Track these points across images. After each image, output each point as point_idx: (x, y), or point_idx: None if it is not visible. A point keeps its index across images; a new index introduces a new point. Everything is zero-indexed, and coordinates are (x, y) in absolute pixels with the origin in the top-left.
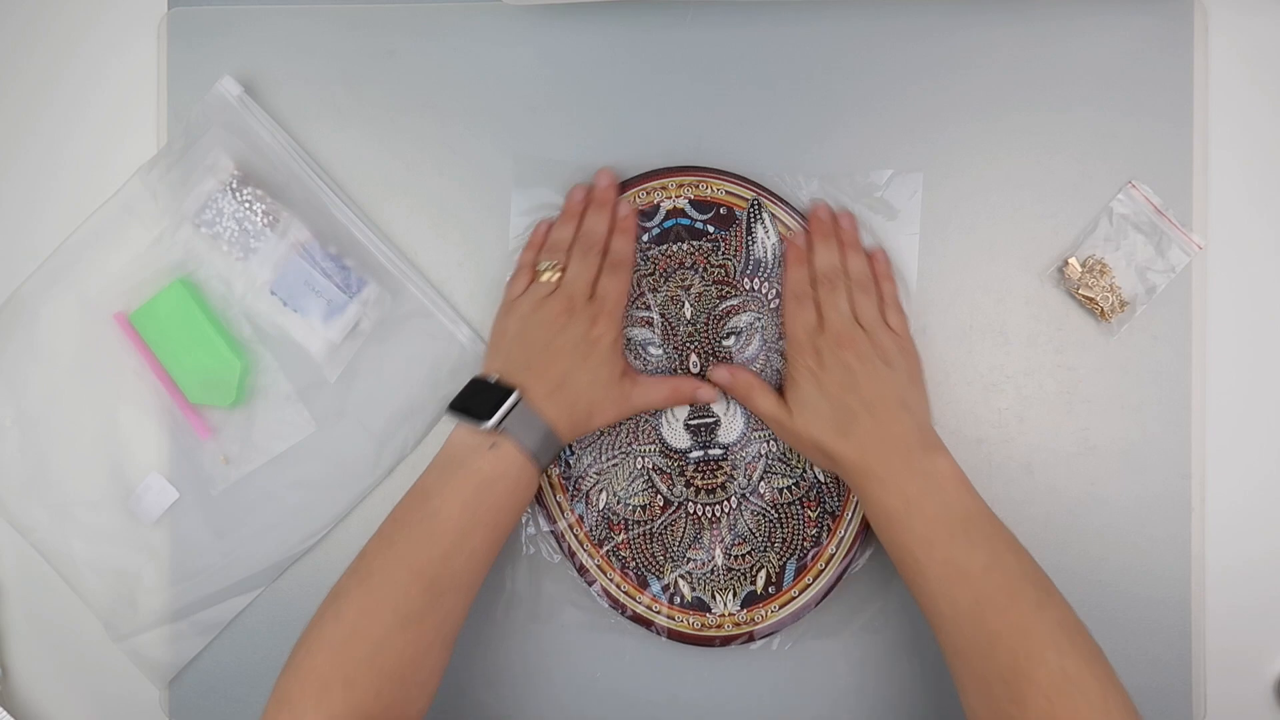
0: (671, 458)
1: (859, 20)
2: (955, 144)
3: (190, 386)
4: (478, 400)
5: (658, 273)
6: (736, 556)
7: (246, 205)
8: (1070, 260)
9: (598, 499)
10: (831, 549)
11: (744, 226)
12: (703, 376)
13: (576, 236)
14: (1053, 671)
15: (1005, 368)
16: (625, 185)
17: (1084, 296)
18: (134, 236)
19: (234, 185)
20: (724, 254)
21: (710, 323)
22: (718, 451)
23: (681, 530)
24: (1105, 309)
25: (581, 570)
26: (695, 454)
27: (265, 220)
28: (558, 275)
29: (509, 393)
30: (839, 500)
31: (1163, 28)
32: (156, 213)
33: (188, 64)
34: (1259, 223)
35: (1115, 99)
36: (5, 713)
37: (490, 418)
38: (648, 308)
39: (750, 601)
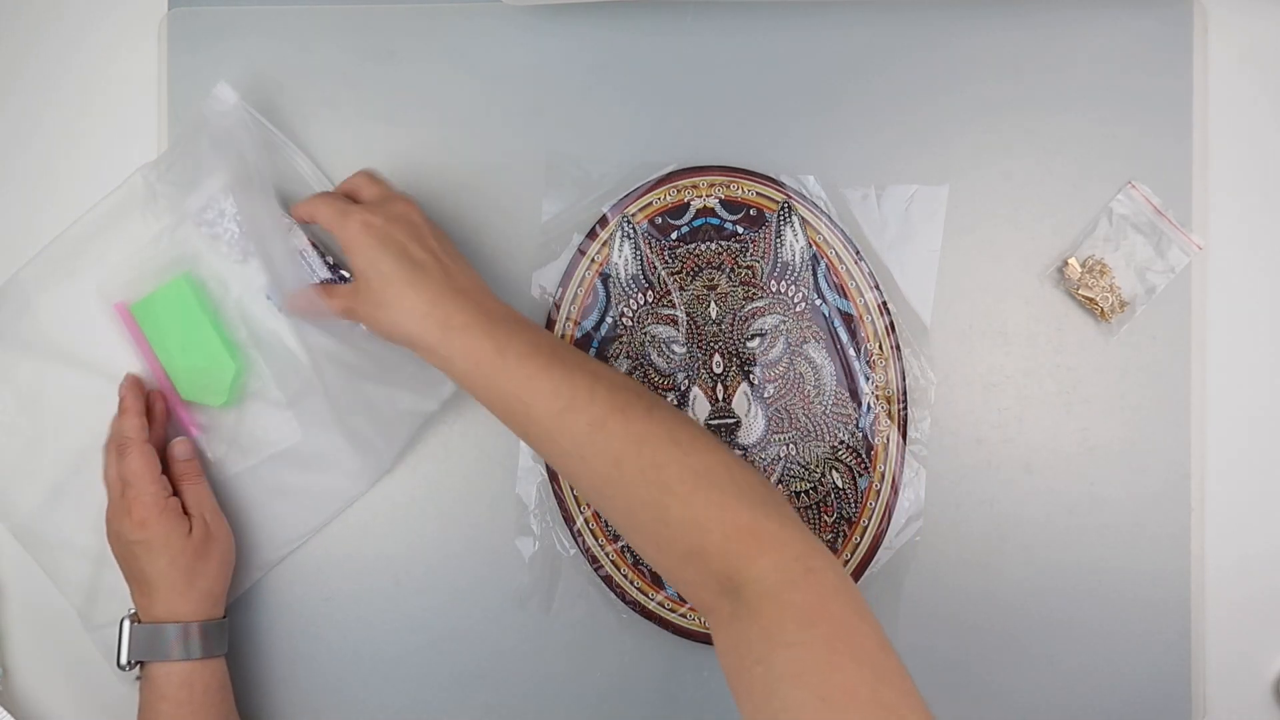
0: None
1: (857, 24)
2: (955, 144)
3: (183, 383)
4: (118, 643)
5: (685, 271)
6: None
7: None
8: (1070, 260)
9: None
10: (846, 555)
11: (773, 229)
12: (726, 378)
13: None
14: (684, 470)
15: (1005, 368)
16: (653, 185)
17: (1084, 296)
18: (134, 231)
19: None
20: (752, 256)
21: (735, 324)
22: (737, 452)
23: None
24: (1105, 309)
25: (595, 564)
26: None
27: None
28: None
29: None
30: (855, 507)
31: (1163, 28)
32: (157, 210)
33: (188, 65)
34: (1259, 223)
35: (1115, 99)
36: (5, 713)
37: (120, 655)
38: (673, 306)
39: None
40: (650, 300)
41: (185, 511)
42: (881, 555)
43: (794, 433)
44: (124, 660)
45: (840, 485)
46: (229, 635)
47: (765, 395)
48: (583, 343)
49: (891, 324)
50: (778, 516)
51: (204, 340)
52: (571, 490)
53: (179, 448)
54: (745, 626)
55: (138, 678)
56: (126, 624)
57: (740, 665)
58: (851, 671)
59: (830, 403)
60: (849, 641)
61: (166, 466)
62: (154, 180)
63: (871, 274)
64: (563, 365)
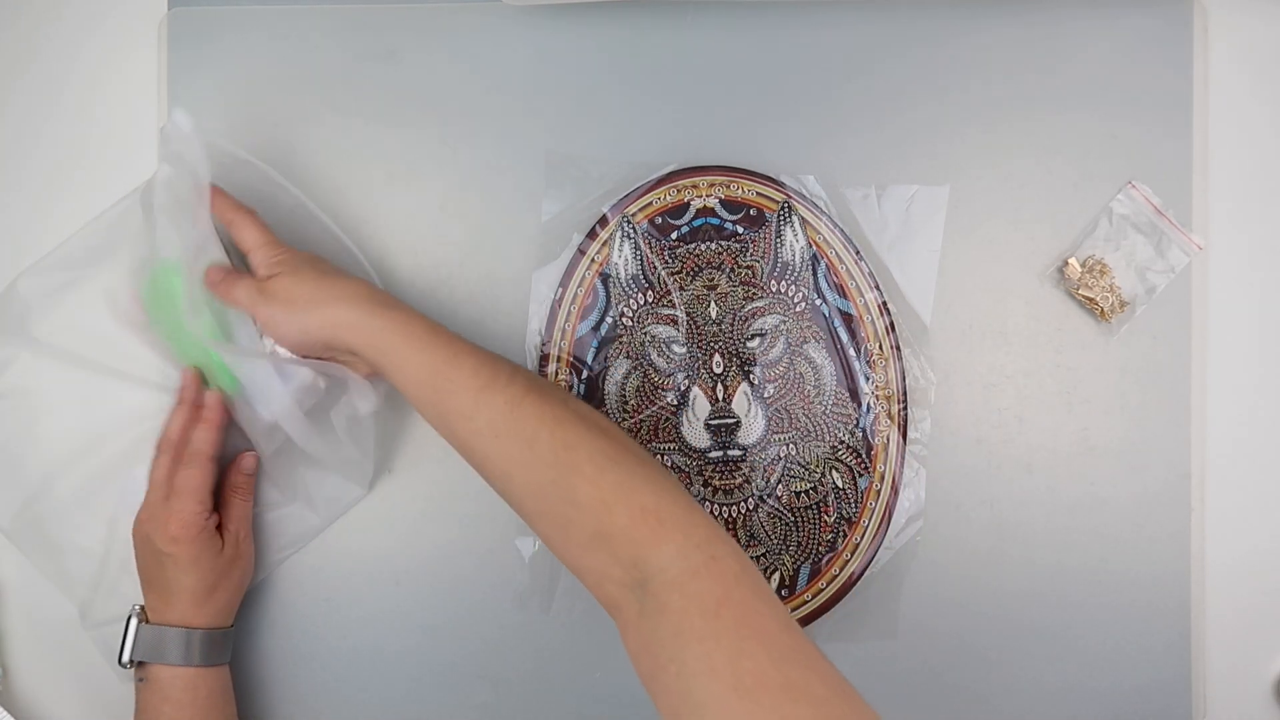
0: (691, 457)
1: (857, 24)
2: (955, 144)
3: (195, 367)
4: (123, 637)
5: (685, 271)
6: (751, 558)
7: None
8: (1070, 260)
9: None
10: (846, 555)
11: (774, 229)
12: (726, 378)
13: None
14: (591, 453)
15: (1005, 368)
16: (653, 185)
17: (1084, 297)
18: (128, 252)
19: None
20: (752, 255)
21: (735, 323)
22: (737, 452)
23: None
24: (1105, 309)
25: None
26: (715, 454)
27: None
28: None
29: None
30: (856, 507)
31: (1163, 28)
32: (147, 232)
33: (188, 64)
34: (1259, 223)
35: (1115, 99)
36: (5, 713)
37: (123, 654)
38: (673, 305)
39: None
40: (650, 300)
41: (221, 525)
42: (882, 555)
43: (794, 433)
44: (126, 659)
45: (840, 485)
46: (233, 641)
47: (765, 395)
48: (583, 343)
49: (891, 324)
50: (682, 501)
51: (194, 327)
52: None
53: (247, 460)
54: (655, 624)
55: (139, 679)
56: (133, 623)
57: (655, 666)
58: (761, 657)
59: (830, 403)
60: (754, 626)
61: (223, 475)
62: (147, 200)
63: (871, 274)
64: (483, 351)
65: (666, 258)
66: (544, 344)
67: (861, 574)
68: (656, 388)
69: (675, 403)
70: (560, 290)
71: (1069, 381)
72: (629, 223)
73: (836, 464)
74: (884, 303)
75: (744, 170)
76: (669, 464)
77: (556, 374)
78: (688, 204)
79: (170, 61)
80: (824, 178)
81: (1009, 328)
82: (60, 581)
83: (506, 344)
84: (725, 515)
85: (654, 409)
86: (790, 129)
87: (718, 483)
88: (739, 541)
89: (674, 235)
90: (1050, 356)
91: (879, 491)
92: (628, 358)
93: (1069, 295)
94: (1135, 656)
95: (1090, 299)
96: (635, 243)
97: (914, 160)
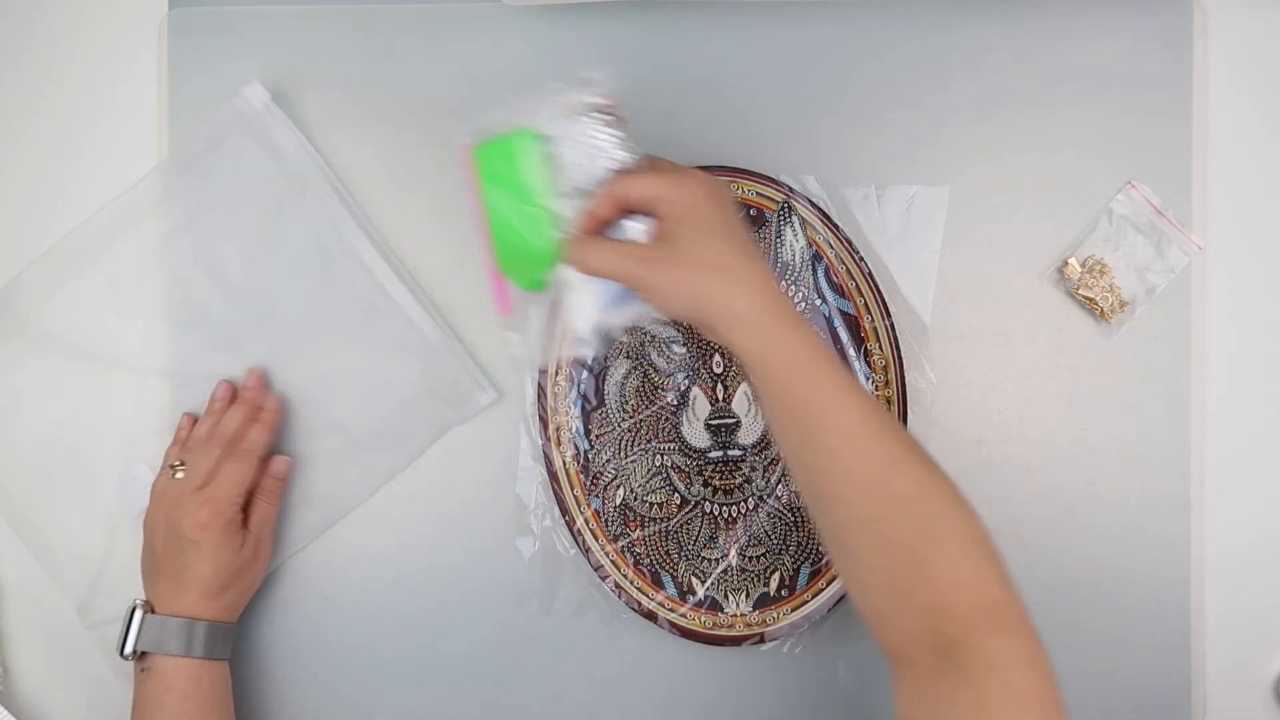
0: (691, 456)
1: (857, 24)
2: (955, 144)
3: (504, 250)
4: (125, 628)
5: None
6: (751, 558)
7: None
8: (1070, 260)
9: (615, 494)
10: None
11: (773, 229)
12: (726, 378)
13: (212, 431)
14: (959, 532)
15: (1005, 368)
16: None
17: (1084, 297)
18: (142, 230)
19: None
20: None
21: None
22: (737, 452)
23: (697, 529)
24: (1105, 309)
25: (595, 565)
26: (715, 454)
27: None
28: (181, 474)
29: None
30: None
31: (1163, 28)
32: (169, 207)
33: (188, 64)
34: (1258, 223)
35: (1115, 99)
36: (5, 712)
37: (126, 644)
38: None
39: (763, 603)
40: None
41: (244, 525)
42: None
43: None
44: (129, 649)
45: None
46: (234, 638)
47: None
48: None
49: (892, 324)
50: (1019, 601)
51: (534, 210)
52: (572, 490)
53: (279, 465)
54: (954, 689)
55: (142, 669)
56: (137, 614)
57: (933, 717)
58: None
59: None
60: None
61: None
62: (172, 178)
63: (871, 274)
64: (865, 393)
65: None
66: (544, 344)
67: None
68: (656, 388)
69: (675, 403)
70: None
71: (1069, 381)
72: None
73: None
74: (884, 303)
75: (744, 170)
76: (669, 464)
77: (557, 374)
78: None
79: (170, 61)
80: (824, 178)
81: (1009, 328)
82: (57, 578)
83: (507, 344)
84: (725, 515)
85: (654, 409)
86: (790, 129)
87: (718, 483)
88: (739, 541)
89: None
90: (1050, 356)
91: None
92: (628, 358)
93: (1069, 295)
94: (1135, 656)
95: (1090, 299)
96: None
97: (914, 160)
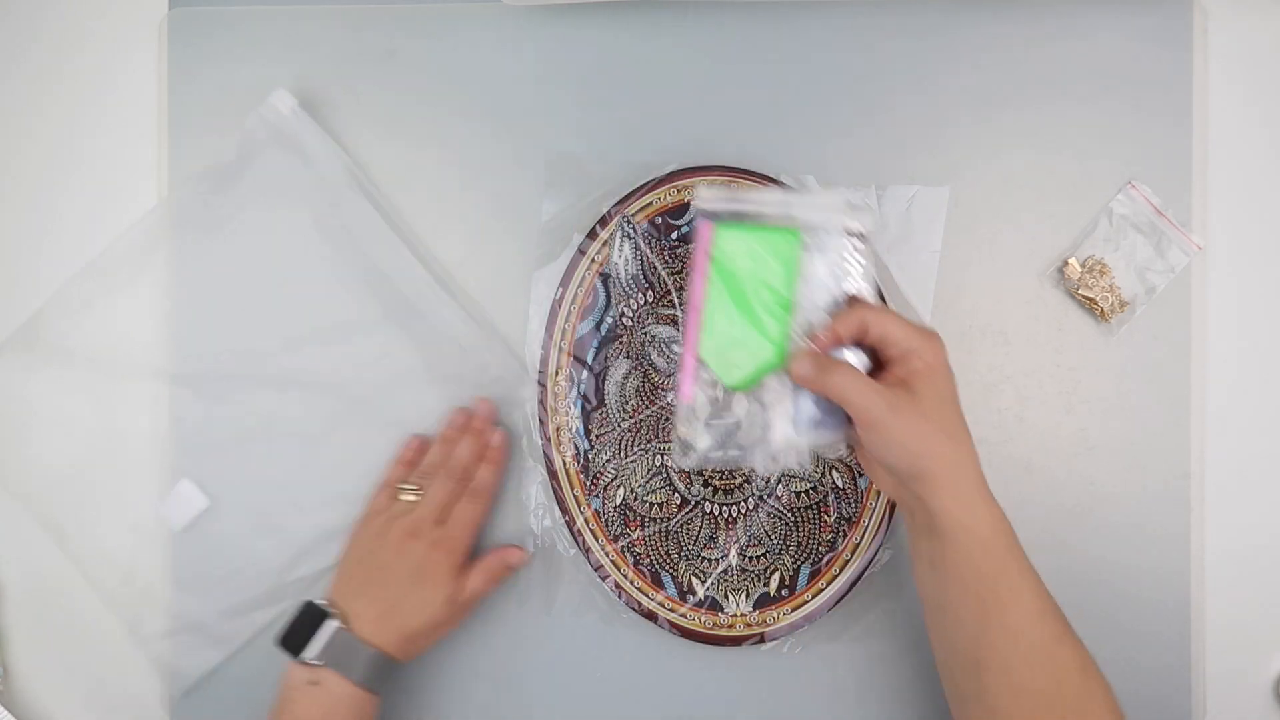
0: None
1: (857, 24)
2: (955, 144)
3: (712, 338)
4: (303, 631)
5: (685, 271)
6: (751, 558)
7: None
8: (1070, 260)
9: (615, 494)
10: (847, 555)
11: None
12: None
13: (445, 461)
14: (1110, 708)
15: (1005, 368)
16: (653, 185)
17: (1084, 297)
18: (184, 241)
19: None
20: None
21: None
22: (737, 452)
23: (697, 529)
24: (1105, 309)
25: (595, 565)
26: (715, 454)
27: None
28: (413, 498)
29: (329, 622)
30: (856, 506)
31: (1163, 28)
32: (211, 220)
33: (188, 64)
34: (1258, 223)
35: (1115, 99)
36: (5, 712)
37: (307, 650)
38: (673, 305)
39: (763, 603)
40: (650, 300)
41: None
42: (882, 555)
43: None
44: (314, 657)
45: (841, 485)
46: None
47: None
48: (583, 343)
49: None
50: None
51: (761, 309)
52: (571, 490)
53: (514, 556)
54: None
55: (315, 682)
56: (330, 624)
57: None
58: None
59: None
60: None
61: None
62: (205, 192)
63: (871, 274)
64: (1043, 587)
65: (666, 258)
66: (544, 344)
67: (862, 574)
68: (656, 388)
69: (675, 403)
70: (560, 290)
71: (1069, 381)
72: (629, 223)
73: (837, 464)
74: (884, 302)
75: (744, 170)
76: (669, 464)
77: (557, 374)
78: (688, 204)
79: (171, 62)
80: (824, 178)
81: (1009, 328)
82: (103, 594)
83: (507, 344)
84: (725, 515)
85: (654, 409)
86: (790, 129)
87: (718, 483)
88: (739, 541)
89: (674, 235)
90: (1050, 356)
91: (880, 491)
92: (628, 358)
93: (1069, 295)
94: (1135, 656)
95: (1090, 299)
96: (635, 243)
97: (914, 160)
